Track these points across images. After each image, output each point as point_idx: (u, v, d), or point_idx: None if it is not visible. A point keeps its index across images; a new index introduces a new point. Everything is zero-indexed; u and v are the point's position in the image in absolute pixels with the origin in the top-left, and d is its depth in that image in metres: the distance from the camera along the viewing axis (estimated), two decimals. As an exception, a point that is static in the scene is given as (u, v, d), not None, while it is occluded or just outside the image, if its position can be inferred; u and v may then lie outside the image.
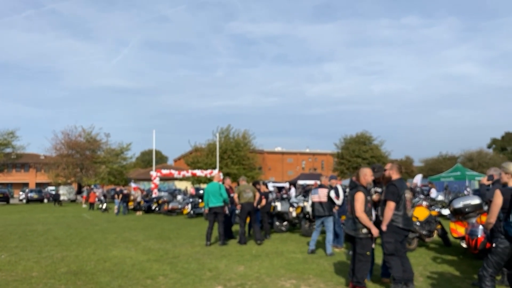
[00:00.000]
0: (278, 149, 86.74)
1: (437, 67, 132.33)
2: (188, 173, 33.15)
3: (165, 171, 32.25)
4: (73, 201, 41.40)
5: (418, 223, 9.16)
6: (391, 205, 5.64)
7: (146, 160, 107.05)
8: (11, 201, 43.01)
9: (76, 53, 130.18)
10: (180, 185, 49.84)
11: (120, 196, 23.31)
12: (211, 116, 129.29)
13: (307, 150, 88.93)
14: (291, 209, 12.76)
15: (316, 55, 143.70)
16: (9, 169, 45.75)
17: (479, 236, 5.57)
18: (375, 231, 5.63)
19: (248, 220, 11.23)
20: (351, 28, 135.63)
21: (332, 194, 9.13)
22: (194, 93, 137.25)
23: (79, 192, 43.70)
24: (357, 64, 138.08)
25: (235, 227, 12.76)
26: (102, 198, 29.48)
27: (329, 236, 9.04)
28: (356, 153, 56.70)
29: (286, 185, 35.85)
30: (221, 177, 15.66)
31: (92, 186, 42.27)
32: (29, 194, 41.00)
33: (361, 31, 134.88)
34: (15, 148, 41.02)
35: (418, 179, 25.52)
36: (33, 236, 13.00)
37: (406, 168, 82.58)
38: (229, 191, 11.77)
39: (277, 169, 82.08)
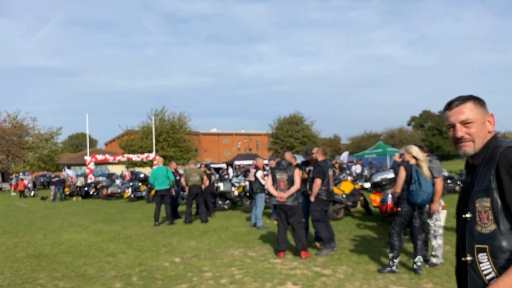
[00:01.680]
0: (214, 130, 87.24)
1: (363, 48, 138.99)
2: (123, 158, 32.91)
3: (100, 157, 31.79)
4: (-1, 189, 39.37)
5: (344, 196, 10.53)
6: (318, 181, 6.81)
7: (74, 144, 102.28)
8: None
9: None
10: (114, 169, 48.93)
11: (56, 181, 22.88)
12: (143, 97, 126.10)
13: (242, 131, 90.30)
14: (233, 188, 13.76)
15: (248, 35, 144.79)
16: None
17: (388, 202, 6.93)
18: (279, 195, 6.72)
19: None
20: (282, 9, 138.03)
21: (259, 174, 10.32)
22: (123, 73, 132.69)
23: (3, 180, 41.49)
24: (288, 45, 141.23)
25: (181, 208, 13.52)
26: (30, 185, 28.63)
27: (257, 211, 10.09)
28: (289, 133, 59.06)
29: (223, 166, 36.83)
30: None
31: (21, 174, 40.33)
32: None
33: (292, 12, 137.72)
34: None
35: (344, 156, 27.54)
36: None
37: (335, 145, 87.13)
38: (174, 174, 12.46)
39: (213, 150, 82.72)
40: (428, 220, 5.83)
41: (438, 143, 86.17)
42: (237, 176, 18.03)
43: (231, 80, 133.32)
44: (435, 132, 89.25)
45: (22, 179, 29.30)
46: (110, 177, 26.64)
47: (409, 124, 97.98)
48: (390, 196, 7.05)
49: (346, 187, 10.70)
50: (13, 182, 33.80)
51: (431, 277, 5.33)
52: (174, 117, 48.26)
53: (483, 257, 1.65)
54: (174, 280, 5.72)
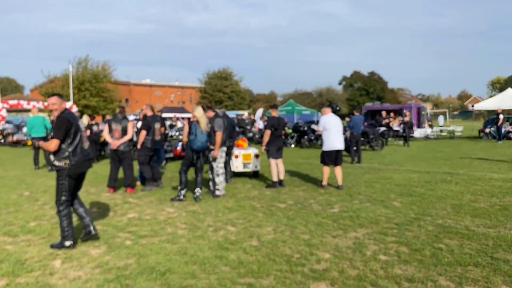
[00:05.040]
0: (147, 81, 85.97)
1: (309, 4, 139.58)
2: (38, 104, 32.62)
3: (12, 102, 31.37)
4: None
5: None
6: (143, 132, 8.37)
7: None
8: None
9: None
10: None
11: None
12: (77, 42, 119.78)
13: (176, 83, 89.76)
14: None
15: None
16: None
17: (177, 148, 8.74)
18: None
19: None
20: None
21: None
22: (56, 14, 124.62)
23: None
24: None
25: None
26: None
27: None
28: (218, 88, 60.20)
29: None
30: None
31: None
32: None
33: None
34: None
35: (258, 114, 29.41)
36: None
37: (270, 101, 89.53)
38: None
39: (145, 101, 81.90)
40: (213, 163, 7.61)
41: (365, 103, 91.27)
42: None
43: (175, 29, 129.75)
44: (362, 92, 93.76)
45: None
46: (19, 125, 26.72)
47: (340, 84, 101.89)
48: (180, 143, 8.82)
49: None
50: None
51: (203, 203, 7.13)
52: (98, 66, 47.43)
53: None
54: (11, 207, 7.09)
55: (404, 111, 23.42)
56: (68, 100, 35.73)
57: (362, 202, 7.15)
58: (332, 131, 8.47)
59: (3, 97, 54.14)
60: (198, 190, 7.25)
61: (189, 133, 7.02)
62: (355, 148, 13.53)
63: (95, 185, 9.22)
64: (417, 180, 9.30)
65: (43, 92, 45.76)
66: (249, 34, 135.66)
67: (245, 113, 44.56)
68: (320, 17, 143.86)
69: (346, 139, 14.47)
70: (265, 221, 5.91)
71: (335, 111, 9.30)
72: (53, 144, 4.71)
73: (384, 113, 24.35)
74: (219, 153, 7.59)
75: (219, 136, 7.32)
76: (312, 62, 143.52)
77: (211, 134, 7.42)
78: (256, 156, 9.93)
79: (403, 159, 13.74)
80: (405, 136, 19.59)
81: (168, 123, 28.39)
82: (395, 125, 23.41)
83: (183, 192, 7.29)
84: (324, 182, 8.59)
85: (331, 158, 8.55)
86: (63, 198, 4.82)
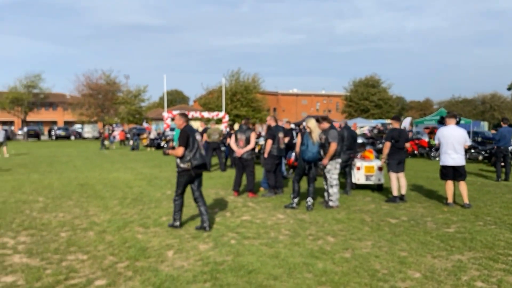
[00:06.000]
0: (294, 90, 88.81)
1: (476, 2, 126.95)
2: (196, 114, 36.68)
3: (175, 112, 35.85)
4: (97, 138, 46.01)
5: None
6: (269, 141, 8.93)
7: (168, 100, 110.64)
8: (42, 137, 48.04)
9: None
10: (196, 125, 53.79)
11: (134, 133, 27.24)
12: (234, 55, 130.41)
13: (323, 92, 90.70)
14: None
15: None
16: (38, 108, 50.30)
17: (291, 158, 8.92)
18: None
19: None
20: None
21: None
22: (218, 31, 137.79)
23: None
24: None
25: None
26: (129, 135, 34.17)
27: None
28: (364, 96, 58.79)
29: (292, 126, 39.04)
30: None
31: (114, 125, 46.54)
32: (57, 132, 45.77)
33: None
34: (42, 90, 45.37)
35: (406, 123, 28.04)
36: (57, 164, 16.92)
37: (426, 110, 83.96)
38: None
39: (291, 110, 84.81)
40: (327, 174, 7.75)
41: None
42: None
43: (324, 37, 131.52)
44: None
45: (123, 130, 35.06)
46: (179, 131, 30.54)
47: (509, 89, 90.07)
48: (293, 154, 8.99)
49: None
50: (106, 132, 39.62)
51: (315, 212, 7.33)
52: (248, 78, 51.07)
53: None
54: (153, 203, 8.37)
55: None
56: (221, 110, 39.26)
57: (486, 224, 6.51)
58: (445, 145, 7.85)
59: (169, 108, 62.38)
60: (310, 200, 7.50)
61: (301, 144, 7.34)
62: (502, 163, 12.10)
63: (225, 189, 10.17)
64: None
65: (201, 103, 51.34)
66: (404, 38, 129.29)
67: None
68: (488, 16, 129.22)
69: (493, 154, 13.07)
70: (368, 235, 5.87)
71: (457, 123, 8.64)
72: (180, 151, 5.93)
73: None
74: (333, 165, 7.72)
75: (333, 147, 7.47)
76: (474, 66, 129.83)
77: (325, 145, 7.62)
78: (380, 168, 9.71)
79: None
80: None
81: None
82: None
83: (296, 200, 7.63)
84: (449, 200, 7.98)
85: (449, 174, 7.93)
86: (179, 191, 6.17)
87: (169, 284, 4.04)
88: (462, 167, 7.96)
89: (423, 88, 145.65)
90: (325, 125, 7.73)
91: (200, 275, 4.27)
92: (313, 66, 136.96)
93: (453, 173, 7.96)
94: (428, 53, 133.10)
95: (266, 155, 9.06)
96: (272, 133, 9.05)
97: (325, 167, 7.66)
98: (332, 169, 7.71)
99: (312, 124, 7.38)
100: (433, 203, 8.32)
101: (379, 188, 9.94)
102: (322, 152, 7.64)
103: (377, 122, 42.56)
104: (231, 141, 9.21)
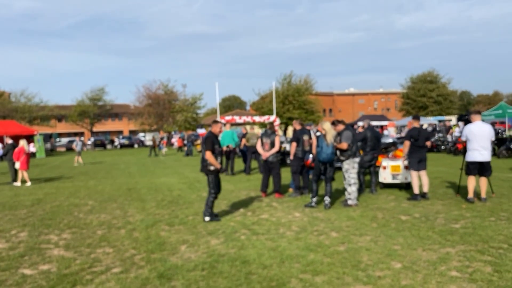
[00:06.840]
0: (350, 90, 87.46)
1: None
2: (247, 118, 37.66)
3: (228, 118, 37.05)
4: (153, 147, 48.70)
5: None
6: (293, 144, 9.38)
7: (226, 105, 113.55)
8: (108, 146, 51.50)
9: (159, 1, 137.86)
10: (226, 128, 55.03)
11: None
12: (290, 58, 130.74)
13: (381, 90, 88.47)
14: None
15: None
16: (105, 119, 53.99)
17: (309, 159, 9.20)
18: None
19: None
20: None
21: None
22: (274, 34, 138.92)
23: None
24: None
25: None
26: (185, 142, 36.09)
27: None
28: (422, 93, 56.81)
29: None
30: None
31: (172, 133, 48.83)
32: (121, 141, 48.90)
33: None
34: (106, 102, 48.84)
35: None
36: (114, 171, 18.42)
37: (494, 103, 79.28)
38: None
39: (348, 110, 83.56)
40: (345, 173, 8.06)
41: None
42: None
43: (384, 33, 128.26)
44: None
45: (180, 137, 37.06)
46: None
47: None
48: (310, 155, 9.27)
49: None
50: (165, 139, 41.79)
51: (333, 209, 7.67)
52: (300, 80, 51.36)
53: None
54: (186, 204, 9.14)
55: None
56: (272, 114, 39.94)
57: (498, 219, 6.53)
58: (473, 141, 7.86)
59: (226, 113, 64.32)
60: (327, 199, 7.87)
61: (317, 145, 7.74)
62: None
63: (257, 190, 10.74)
64: None
65: (254, 108, 52.41)
66: (470, 29, 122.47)
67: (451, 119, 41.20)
68: None
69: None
70: (371, 231, 6.17)
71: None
72: (208, 154, 7.01)
73: None
74: (351, 164, 8.03)
75: (341, 145, 7.83)
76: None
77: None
78: (406, 167, 9.80)
79: None
80: None
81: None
82: None
83: (314, 199, 8.03)
84: (470, 195, 7.99)
85: (475, 170, 7.95)
86: (212, 190, 7.28)
87: (172, 272, 4.68)
88: (488, 162, 8.00)
89: (491, 80, 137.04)
90: (340, 127, 8.07)
91: (200, 265, 4.88)
92: (370, 64, 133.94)
93: (479, 169, 8.01)
94: (498, 43, 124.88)
95: (291, 157, 9.52)
96: (296, 136, 9.49)
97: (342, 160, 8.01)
98: (350, 169, 8.02)
99: (326, 126, 7.76)
100: (456, 200, 8.34)
101: (407, 187, 10.02)
102: (338, 153, 7.99)
103: (434, 119, 41.12)
104: (258, 145, 9.77)
